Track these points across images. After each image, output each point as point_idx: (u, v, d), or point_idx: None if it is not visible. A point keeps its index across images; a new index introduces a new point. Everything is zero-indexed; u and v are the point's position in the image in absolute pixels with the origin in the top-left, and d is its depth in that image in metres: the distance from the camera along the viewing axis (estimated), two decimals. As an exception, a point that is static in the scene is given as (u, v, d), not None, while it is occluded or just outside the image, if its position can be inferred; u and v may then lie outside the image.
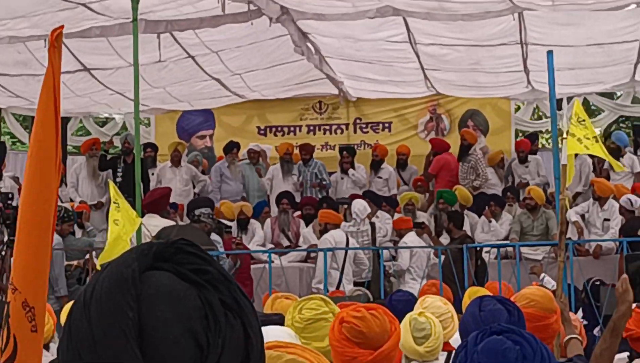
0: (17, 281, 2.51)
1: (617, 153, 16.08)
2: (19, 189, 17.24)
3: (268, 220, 15.32)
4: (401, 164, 17.21)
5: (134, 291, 1.47)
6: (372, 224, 13.93)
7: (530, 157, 16.68)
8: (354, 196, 15.30)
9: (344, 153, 16.96)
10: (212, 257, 1.55)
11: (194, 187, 16.87)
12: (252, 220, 14.87)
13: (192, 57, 14.90)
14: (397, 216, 14.96)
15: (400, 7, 12.18)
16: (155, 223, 11.91)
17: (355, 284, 13.04)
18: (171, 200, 15.42)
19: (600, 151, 7.92)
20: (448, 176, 16.33)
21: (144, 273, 1.49)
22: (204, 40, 13.95)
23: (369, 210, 14.06)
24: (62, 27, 2.68)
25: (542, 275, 6.79)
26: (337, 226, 13.35)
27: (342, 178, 16.89)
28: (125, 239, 8.23)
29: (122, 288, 1.47)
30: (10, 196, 14.41)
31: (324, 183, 16.47)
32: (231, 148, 16.80)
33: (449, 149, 16.91)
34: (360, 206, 14.00)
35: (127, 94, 16.24)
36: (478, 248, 12.73)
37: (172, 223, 12.38)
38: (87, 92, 16.15)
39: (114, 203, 8.49)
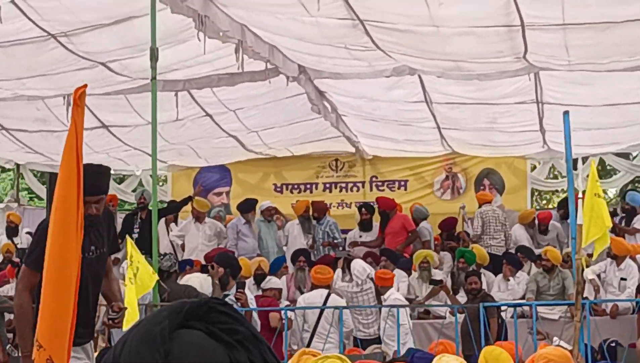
0: (42, 338, 2.53)
1: (631, 213, 16.08)
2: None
3: (284, 277, 15.31)
4: (417, 223, 17.17)
5: (162, 349, 1.48)
6: (374, 281, 13.89)
7: (550, 226, 16.66)
8: (369, 254, 15.30)
9: (363, 209, 16.97)
10: (243, 316, 1.56)
11: (219, 244, 16.82)
12: (268, 276, 14.85)
13: (210, 115, 15.00)
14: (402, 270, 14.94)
15: (416, 66, 12.27)
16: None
17: (362, 341, 13.02)
18: (194, 256, 15.49)
19: (602, 208, 7.97)
20: (397, 238, 16.32)
21: (175, 331, 1.50)
22: (221, 99, 14.05)
23: (368, 271, 13.99)
24: (86, 86, 2.73)
25: (555, 339, 6.79)
26: (327, 286, 13.27)
27: (360, 236, 16.89)
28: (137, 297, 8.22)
29: (152, 346, 1.48)
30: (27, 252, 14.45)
31: (335, 241, 16.46)
32: (252, 206, 16.86)
33: (396, 207, 16.91)
34: (359, 267, 13.91)
35: (145, 151, 16.35)
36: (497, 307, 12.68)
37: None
38: (105, 149, 16.25)
39: (130, 260, 8.49)
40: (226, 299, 11.48)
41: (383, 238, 16.49)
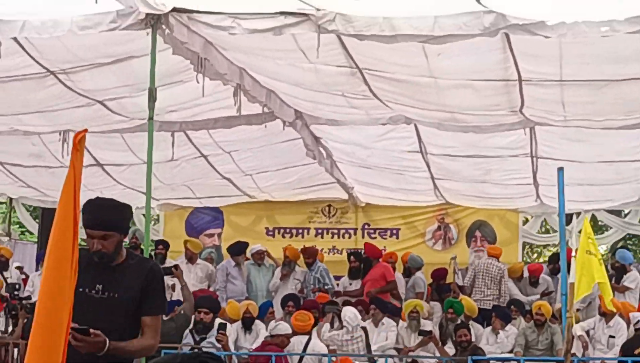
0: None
1: (621, 271, 16.05)
2: (25, 280, 17.26)
3: (272, 322, 15.23)
4: (407, 273, 17.13)
5: None
6: (365, 330, 13.84)
7: (541, 279, 16.66)
8: (359, 302, 15.25)
9: (352, 257, 16.94)
10: None
11: (209, 286, 16.79)
12: (257, 321, 14.78)
13: (205, 157, 15.02)
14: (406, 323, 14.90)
15: (412, 116, 12.31)
16: None
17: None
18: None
19: (593, 265, 7.99)
20: (375, 286, 16.29)
21: None
22: (217, 140, 14.08)
23: (359, 317, 13.97)
24: (86, 130, 2.74)
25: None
26: (307, 333, 13.21)
27: (350, 283, 16.85)
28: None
29: None
30: (17, 287, 14.41)
31: (325, 287, 16.42)
32: (242, 249, 16.84)
33: (381, 256, 16.91)
34: (350, 313, 13.88)
35: (139, 190, 16.34)
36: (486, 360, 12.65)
37: None
38: (98, 187, 16.20)
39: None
40: (206, 341, 11.46)
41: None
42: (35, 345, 2.61)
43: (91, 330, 5.17)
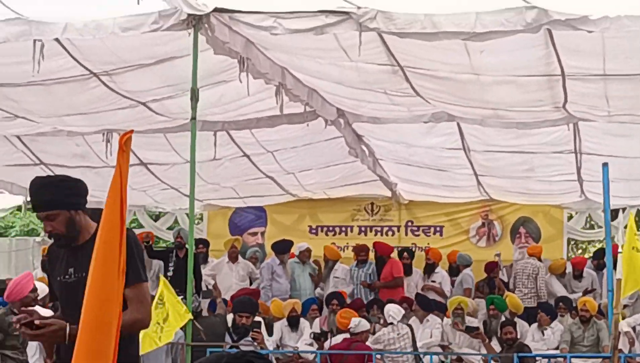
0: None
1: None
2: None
3: (317, 320, 15.27)
4: (453, 271, 17.11)
5: None
6: (411, 327, 13.81)
7: (585, 272, 16.56)
8: (405, 299, 15.24)
9: (405, 254, 16.96)
10: None
11: (251, 283, 16.88)
12: (301, 319, 14.82)
13: (247, 156, 15.05)
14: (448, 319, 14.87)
15: (455, 113, 12.27)
16: None
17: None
18: (226, 296, 15.54)
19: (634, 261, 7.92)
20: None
21: None
22: (259, 140, 14.10)
23: (403, 312, 13.98)
24: (132, 131, 2.76)
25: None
26: (347, 331, 13.25)
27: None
28: (162, 340, 8.22)
29: None
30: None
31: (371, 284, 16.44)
32: (287, 247, 16.91)
33: (392, 252, 16.93)
34: (394, 309, 13.90)
35: (182, 190, 16.42)
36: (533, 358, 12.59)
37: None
38: (142, 186, 16.34)
39: (159, 301, 8.49)
40: (244, 340, 11.50)
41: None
42: (84, 348, 2.62)
43: (37, 322, 4.81)
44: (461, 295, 15.82)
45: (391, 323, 13.63)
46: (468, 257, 17.02)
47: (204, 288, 15.73)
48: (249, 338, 12.19)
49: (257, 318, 13.26)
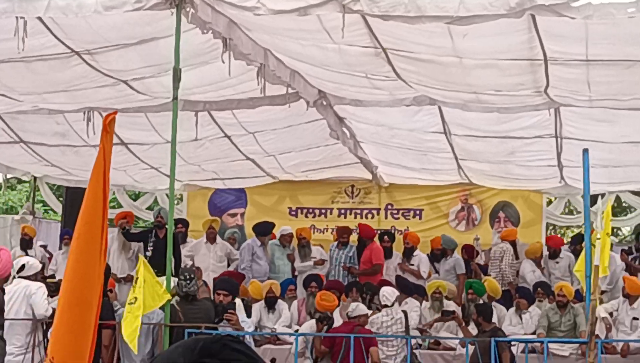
0: (57, 356, 2.53)
1: (646, 252, 16.06)
2: (49, 258, 17.36)
3: (295, 302, 15.29)
4: (436, 256, 17.15)
5: None
6: (405, 313, 13.82)
7: (563, 253, 16.62)
8: (381, 283, 15.27)
9: (385, 237, 17.01)
10: (257, 354, 1.56)
11: (229, 264, 16.90)
12: (279, 300, 14.84)
13: (228, 137, 15.03)
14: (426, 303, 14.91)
15: (436, 97, 12.28)
16: None
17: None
18: (205, 277, 15.52)
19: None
20: (366, 266, 16.41)
21: None
22: (240, 121, 14.08)
23: (397, 293, 14.01)
24: (116, 112, 2.75)
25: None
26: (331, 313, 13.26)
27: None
28: (138, 315, 8.22)
29: None
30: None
31: (356, 267, 16.47)
32: (269, 229, 16.92)
33: (374, 236, 16.97)
34: (389, 290, 13.93)
35: (162, 170, 16.39)
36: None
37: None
38: (122, 166, 16.29)
39: (136, 280, 8.49)
40: (223, 322, 11.47)
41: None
42: (65, 322, 2.62)
43: None
44: (454, 281, 15.90)
45: (385, 306, 13.64)
46: (454, 240, 17.09)
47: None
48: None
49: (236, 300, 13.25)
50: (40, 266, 12.70)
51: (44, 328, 12.05)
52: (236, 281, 14.04)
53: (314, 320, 13.13)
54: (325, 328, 12.79)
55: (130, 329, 8.06)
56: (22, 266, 11.92)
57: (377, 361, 12.31)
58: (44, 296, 11.75)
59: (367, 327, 12.93)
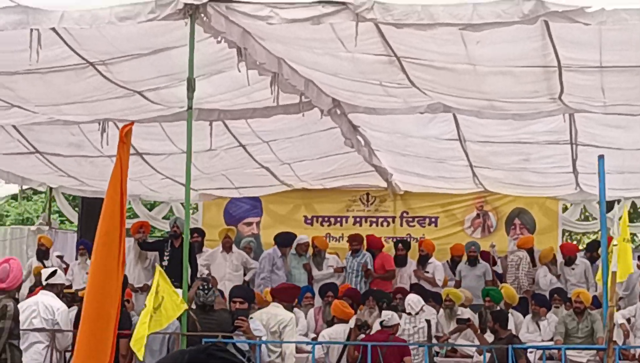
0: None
1: (661, 258, 16.00)
2: (65, 269, 17.40)
3: (312, 310, 15.30)
4: (456, 264, 17.20)
5: None
6: (428, 322, 13.81)
7: (579, 260, 16.59)
8: (399, 290, 15.28)
9: (400, 245, 17.04)
10: (243, 360, 1.57)
11: (245, 273, 16.92)
12: (296, 309, 14.83)
13: (243, 146, 15.05)
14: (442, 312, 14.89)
15: (451, 104, 12.26)
16: (275, 312, 12.24)
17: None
18: (220, 286, 15.53)
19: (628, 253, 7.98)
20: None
21: None
22: (255, 130, 14.09)
23: (423, 303, 14.02)
24: (132, 123, 2.77)
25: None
26: (344, 320, 13.22)
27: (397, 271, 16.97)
28: (152, 327, 8.21)
29: None
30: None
31: (371, 270, 16.52)
32: (291, 240, 16.95)
33: (382, 247, 17.24)
34: (414, 298, 13.96)
35: (177, 180, 16.41)
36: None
37: (291, 315, 12.39)
38: (138, 176, 16.32)
39: (155, 290, 8.47)
40: (238, 330, 11.45)
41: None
42: (86, 334, 2.63)
43: None
44: (482, 287, 15.90)
45: (409, 314, 13.64)
46: (479, 245, 17.13)
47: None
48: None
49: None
50: (65, 278, 12.81)
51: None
52: (251, 289, 14.04)
53: (345, 325, 13.10)
54: (360, 335, 12.84)
55: (139, 336, 8.06)
56: (54, 272, 12.02)
57: None
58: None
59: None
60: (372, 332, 12.92)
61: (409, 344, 13.06)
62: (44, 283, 11.93)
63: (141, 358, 8.53)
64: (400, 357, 12.16)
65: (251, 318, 12.08)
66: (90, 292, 2.65)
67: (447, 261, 17.33)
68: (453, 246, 17.50)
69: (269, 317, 12.12)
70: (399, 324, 13.02)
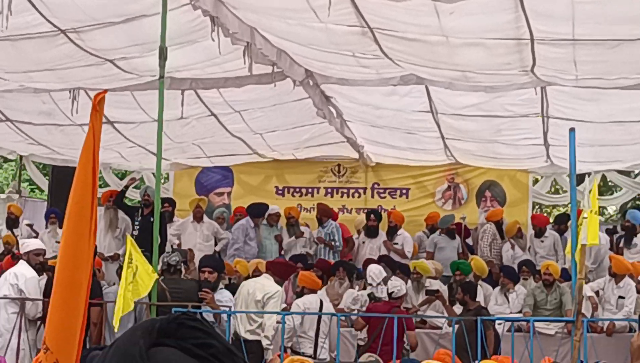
0: (50, 341, 2.53)
1: (632, 230, 16.09)
2: (35, 238, 17.32)
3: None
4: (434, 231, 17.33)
5: None
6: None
7: (548, 232, 16.68)
8: (368, 261, 15.31)
9: (372, 216, 17.05)
10: (215, 330, 1.57)
11: (216, 244, 16.92)
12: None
13: (215, 115, 15.01)
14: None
15: (423, 75, 12.26)
16: (264, 283, 12.22)
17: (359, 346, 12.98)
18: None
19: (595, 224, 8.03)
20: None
21: (150, 350, 1.50)
22: (227, 100, 14.05)
23: (385, 274, 14.04)
24: (105, 91, 2.74)
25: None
26: (313, 291, 13.25)
27: (363, 242, 16.99)
28: (132, 297, 8.21)
29: None
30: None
31: (333, 243, 16.55)
32: (264, 211, 16.97)
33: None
34: (375, 270, 13.97)
35: (149, 148, 16.36)
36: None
37: (278, 288, 12.38)
38: (108, 145, 16.24)
39: (129, 260, 8.46)
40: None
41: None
42: (57, 302, 2.62)
43: None
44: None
45: (370, 284, 13.69)
46: (452, 219, 17.20)
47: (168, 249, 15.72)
48: (219, 297, 12.14)
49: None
50: (40, 245, 12.83)
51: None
52: (221, 259, 14.05)
53: (316, 295, 13.13)
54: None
55: (125, 307, 8.06)
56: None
57: (414, 343, 12.42)
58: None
59: (352, 303, 13.03)
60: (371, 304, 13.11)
61: (379, 315, 13.11)
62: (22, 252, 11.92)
63: (117, 330, 8.53)
64: (403, 331, 12.21)
65: (221, 289, 12.09)
66: (62, 261, 2.64)
67: (424, 231, 17.42)
68: (428, 215, 17.57)
69: (257, 287, 12.11)
70: (405, 295, 13.15)
